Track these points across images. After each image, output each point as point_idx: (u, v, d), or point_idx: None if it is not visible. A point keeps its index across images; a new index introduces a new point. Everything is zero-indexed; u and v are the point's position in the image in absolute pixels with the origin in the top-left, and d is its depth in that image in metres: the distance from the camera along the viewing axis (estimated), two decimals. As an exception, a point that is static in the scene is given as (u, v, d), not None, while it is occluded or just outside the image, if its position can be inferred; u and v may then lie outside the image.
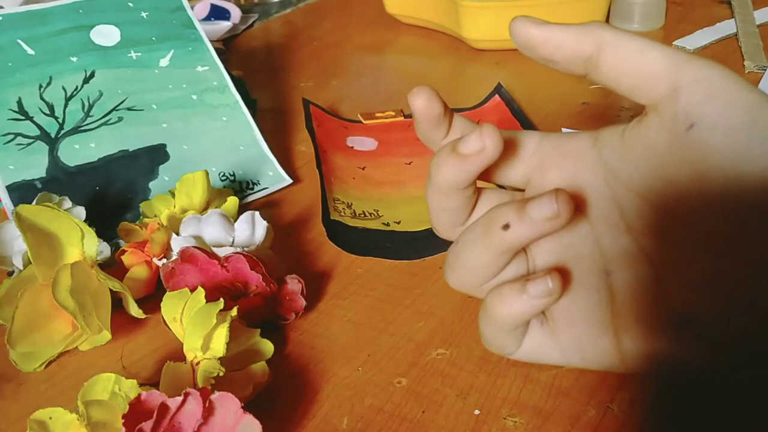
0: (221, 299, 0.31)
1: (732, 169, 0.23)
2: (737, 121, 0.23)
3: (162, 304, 0.33)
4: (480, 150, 0.25)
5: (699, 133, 0.23)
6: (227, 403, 0.27)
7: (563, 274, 0.27)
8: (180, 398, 0.27)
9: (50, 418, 0.28)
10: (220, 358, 0.30)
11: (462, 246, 0.27)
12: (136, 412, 0.26)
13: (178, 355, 0.34)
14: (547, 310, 0.27)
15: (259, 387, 0.31)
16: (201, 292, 0.31)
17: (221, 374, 0.29)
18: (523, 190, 0.29)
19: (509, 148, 0.28)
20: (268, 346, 0.33)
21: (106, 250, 0.38)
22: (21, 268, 0.38)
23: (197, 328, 0.30)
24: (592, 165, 0.27)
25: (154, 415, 0.26)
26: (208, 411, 0.27)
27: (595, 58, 0.25)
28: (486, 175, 0.28)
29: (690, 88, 0.23)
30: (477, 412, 0.30)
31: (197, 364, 0.30)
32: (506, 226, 0.25)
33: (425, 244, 0.41)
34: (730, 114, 0.23)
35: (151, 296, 0.38)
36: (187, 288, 0.33)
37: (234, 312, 0.31)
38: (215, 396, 0.27)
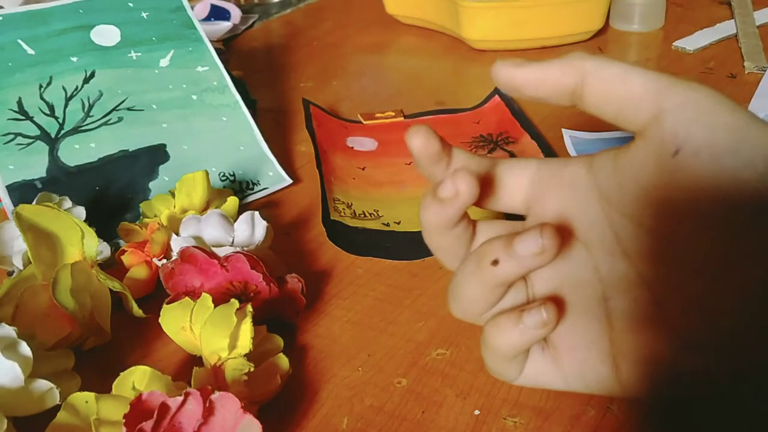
0: (234, 300, 0.31)
1: (721, 191, 0.22)
2: (722, 144, 0.22)
3: (162, 319, 0.33)
4: (455, 195, 0.26)
5: (685, 157, 0.23)
6: (227, 404, 0.27)
7: (560, 303, 0.27)
8: (180, 398, 0.27)
9: (86, 402, 0.28)
10: (246, 355, 0.30)
11: (459, 279, 0.28)
12: (136, 412, 0.26)
13: (180, 356, 0.34)
14: (548, 337, 0.28)
15: (284, 378, 0.31)
16: (208, 298, 0.32)
17: (251, 370, 0.30)
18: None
19: (506, 176, 0.29)
20: (278, 340, 0.33)
21: (106, 250, 0.38)
22: (21, 268, 0.38)
23: (218, 329, 0.30)
24: (587, 192, 0.27)
25: (155, 415, 0.26)
26: (209, 411, 0.27)
27: (579, 89, 0.26)
28: (485, 203, 0.29)
29: (673, 112, 0.23)
30: (477, 412, 0.30)
31: (220, 365, 0.30)
32: (495, 262, 0.26)
33: (425, 244, 0.41)
34: (715, 137, 0.23)
35: (151, 296, 0.38)
36: (187, 297, 0.33)
37: (250, 308, 0.31)
38: (215, 396, 0.27)
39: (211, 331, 0.30)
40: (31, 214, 0.35)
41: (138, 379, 0.29)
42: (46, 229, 0.35)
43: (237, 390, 0.29)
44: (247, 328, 0.30)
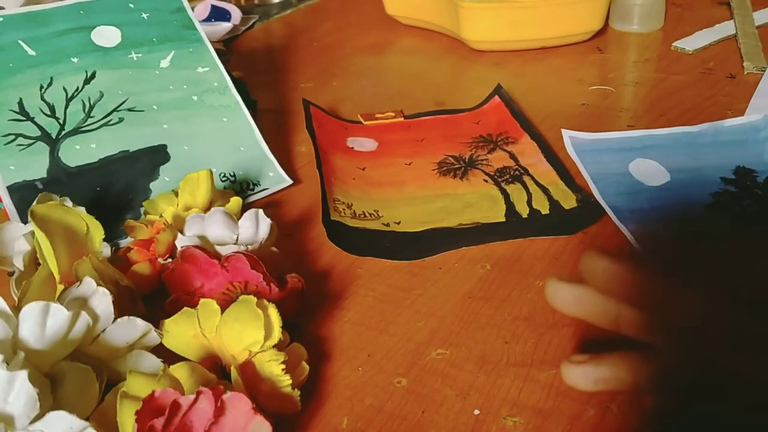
0: (251, 296, 0.31)
1: None
2: None
3: (166, 339, 0.32)
4: None
5: None
6: (238, 404, 0.27)
7: None
8: (192, 396, 0.27)
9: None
10: (275, 346, 0.30)
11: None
12: (149, 409, 0.27)
13: (179, 356, 0.34)
14: None
15: (308, 363, 0.32)
16: (212, 302, 0.31)
17: (286, 359, 0.30)
18: None
19: None
20: (284, 335, 0.33)
21: (106, 249, 0.38)
22: (21, 268, 0.38)
23: (248, 325, 0.30)
24: None
25: (166, 413, 0.26)
26: (220, 410, 0.27)
27: None
28: None
29: None
30: (477, 412, 0.30)
31: (250, 361, 0.30)
32: None
33: (425, 244, 0.42)
34: None
35: (154, 294, 0.38)
36: (186, 308, 0.32)
37: (266, 301, 0.31)
38: (227, 396, 0.27)
39: (239, 329, 0.30)
40: (46, 213, 0.35)
41: (185, 375, 0.29)
42: (60, 227, 0.36)
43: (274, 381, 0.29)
44: (276, 318, 0.30)
